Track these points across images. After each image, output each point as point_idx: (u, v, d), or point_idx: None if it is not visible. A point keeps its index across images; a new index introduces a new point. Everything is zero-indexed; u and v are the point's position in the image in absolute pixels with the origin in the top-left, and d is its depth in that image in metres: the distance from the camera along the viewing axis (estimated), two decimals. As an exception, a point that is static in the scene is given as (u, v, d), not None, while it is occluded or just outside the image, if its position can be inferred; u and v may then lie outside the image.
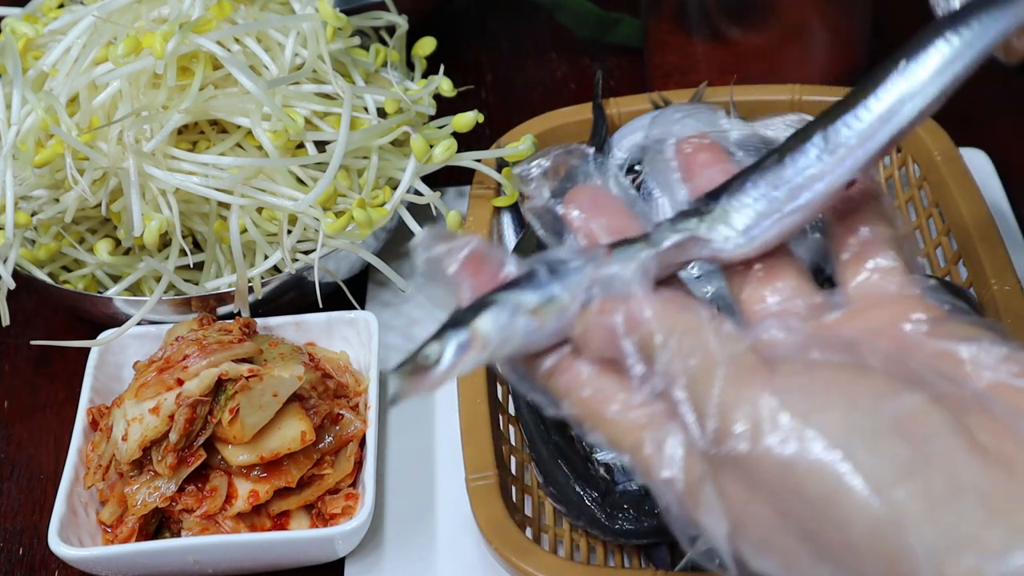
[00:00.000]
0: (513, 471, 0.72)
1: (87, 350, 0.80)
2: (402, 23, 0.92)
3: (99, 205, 0.80)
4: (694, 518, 0.41)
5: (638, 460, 0.43)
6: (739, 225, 0.44)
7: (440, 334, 0.43)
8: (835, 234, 0.46)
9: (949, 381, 0.39)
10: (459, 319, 0.43)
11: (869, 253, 0.45)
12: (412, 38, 0.93)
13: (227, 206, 0.80)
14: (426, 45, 0.92)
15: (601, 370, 0.44)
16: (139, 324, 0.79)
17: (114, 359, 0.80)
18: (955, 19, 0.44)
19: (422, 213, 0.85)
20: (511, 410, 0.75)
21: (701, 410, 0.39)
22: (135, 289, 0.84)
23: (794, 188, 0.43)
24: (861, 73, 0.99)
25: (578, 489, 0.69)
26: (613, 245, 0.44)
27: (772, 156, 0.44)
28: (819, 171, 0.44)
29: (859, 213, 0.46)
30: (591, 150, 0.51)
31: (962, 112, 0.70)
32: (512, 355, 0.44)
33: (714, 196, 0.44)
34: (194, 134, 0.83)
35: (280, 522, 0.73)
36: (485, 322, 0.43)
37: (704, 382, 0.40)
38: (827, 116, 0.44)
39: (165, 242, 0.83)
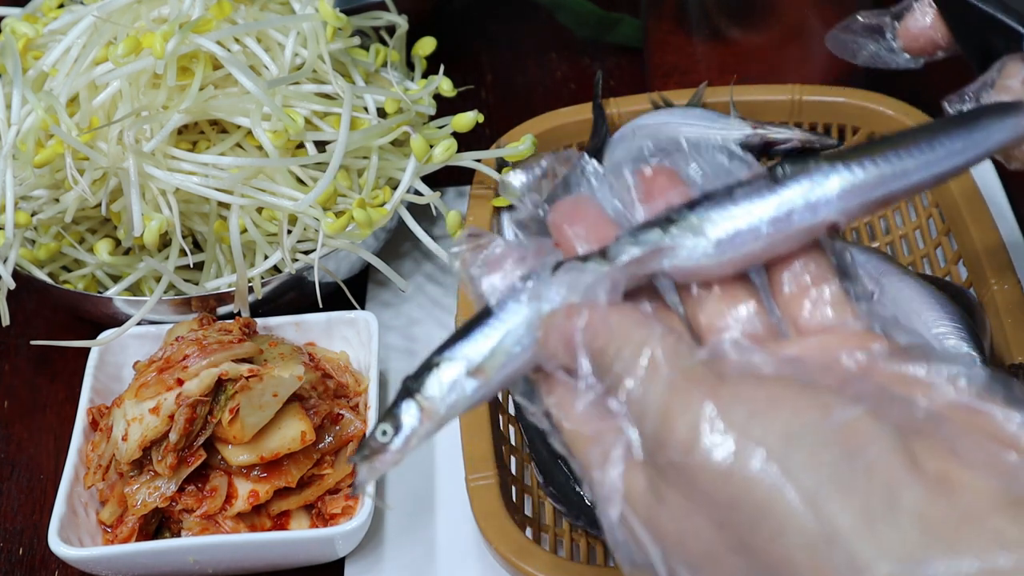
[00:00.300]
0: (513, 471, 0.72)
1: (87, 350, 0.80)
2: (402, 23, 0.92)
3: (99, 205, 0.80)
4: (634, 536, 0.40)
5: (584, 474, 0.43)
6: (712, 236, 0.43)
7: (391, 410, 0.44)
8: (777, 270, 0.45)
9: (898, 401, 0.38)
10: (409, 388, 0.44)
11: (815, 286, 0.44)
12: (412, 38, 0.93)
13: (227, 206, 0.80)
14: (426, 45, 0.92)
15: (566, 380, 0.43)
16: (139, 324, 0.79)
17: (114, 359, 0.80)
18: (961, 121, 0.45)
19: (422, 213, 0.85)
20: (511, 410, 0.75)
21: (642, 418, 0.40)
22: (135, 289, 0.84)
23: (779, 216, 0.43)
24: (860, 74, 0.99)
25: (578, 489, 0.69)
26: (578, 258, 0.44)
27: (764, 178, 0.44)
28: (809, 204, 0.43)
29: (804, 253, 0.45)
30: (584, 156, 0.50)
31: (962, 112, 0.70)
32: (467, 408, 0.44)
33: (689, 206, 0.44)
34: (194, 134, 0.83)
35: (280, 522, 0.73)
36: (431, 389, 0.43)
37: (648, 391, 0.40)
38: (831, 157, 0.44)
39: (165, 242, 0.83)
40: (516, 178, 0.62)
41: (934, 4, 0.61)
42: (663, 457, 0.39)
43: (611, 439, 0.41)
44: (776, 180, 0.43)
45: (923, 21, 0.61)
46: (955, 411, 0.38)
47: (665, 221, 0.43)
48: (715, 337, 0.43)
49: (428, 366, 0.44)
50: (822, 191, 0.43)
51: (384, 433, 0.44)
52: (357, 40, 0.87)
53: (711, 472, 0.37)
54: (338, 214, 0.79)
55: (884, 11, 0.63)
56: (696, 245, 0.43)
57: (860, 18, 0.64)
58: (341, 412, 0.75)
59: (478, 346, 0.43)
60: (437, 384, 0.43)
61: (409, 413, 0.44)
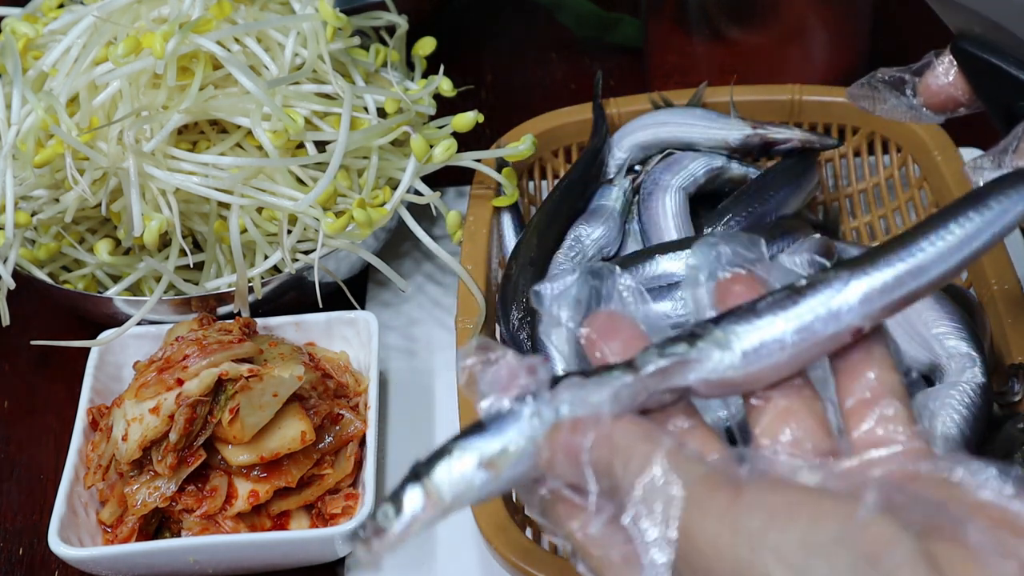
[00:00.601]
0: (513, 471, 0.72)
1: (87, 350, 0.80)
2: (402, 23, 0.92)
3: (99, 205, 0.80)
4: None
5: None
6: (738, 349, 0.43)
7: (397, 492, 0.43)
8: (840, 378, 0.45)
9: (926, 505, 0.38)
10: (417, 471, 0.43)
11: (875, 401, 0.43)
12: (412, 38, 0.93)
13: (227, 206, 0.80)
14: (426, 45, 0.92)
15: (580, 501, 0.43)
16: (139, 324, 0.79)
17: (114, 359, 0.80)
18: (975, 201, 0.45)
19: (422, 213, 0.85)
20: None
21: (659, 532, 0.39)
22: (135, 289, 0.84)
23: (803, 326, 0.43)
24: (861, 73, 0.99)
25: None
26: (596, 370, 0.44)
27: (786, 290, 0.44)
28: (831, 313, 0.43)
29: (865, 358, 0.44)
30: (616, 270, 0.50)
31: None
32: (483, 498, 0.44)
33: (715, 321, 0.44)
34: (194, 134, 0.83)
35: (280, 522, 0.73)
36: (440, 476, 0.43)
37: (659, 505, 0.39)
38: (851, 265, 0.44)
39: (165, 242, 0.83)
40: (547, 290, 0.62)
41: (955, 62, 0.60)
42: (684, 571, 0.38)
43: (621, 557, 0.41)
44: (798, 291, 0.44)
45: (944, 78, 0.61)
46: (983, 510, 0.38)
47: (690, 336, 0.43)
48: (747, 447, 0.43)
49: (440, 453, 0.43)
50: (843, 299, 0.43)
51: (386, 515, 0.43)
52: (357, 40, 0.87)
53: None
54: (338, 214, 0.79)
55: (905, 68, 0.62)
56: (722, 358, 0.43)
57: (881, 74, 0.63)
58: (341, 412, 0.75)
59: (492, 443, 0.43)
60: (446, 472, 0.43)
61: (413, 498, 0.43)
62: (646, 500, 0.40)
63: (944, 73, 0.61)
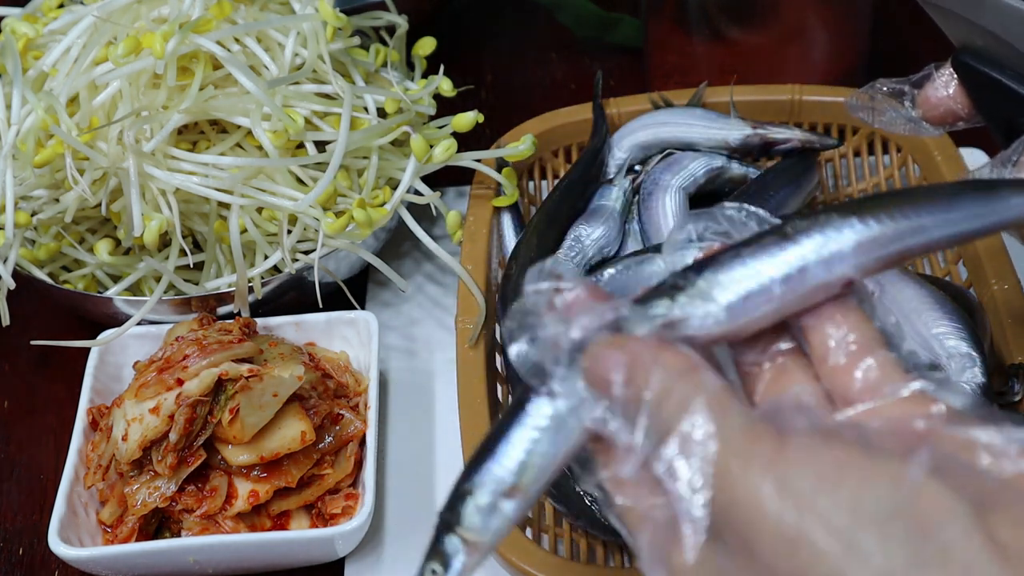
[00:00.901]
0: (513, 471, 0.72)
1: (87, 350, 0.80)
2: (402, 23, 0.92)
3: (99, 205, 0.80)
4: None
5: (636, 551, 0.40)
6: (723, 301, 0.40)
7: (435, 547, 0.41)
8: (816, 337, 0.42)
9: (965, 469, 0.36)
10: (447, 521, 0.41)
11: (862, 355, 0.41)
12: (412, 38, 0.93)
13: (227, 206, 0.80)
14: (426, 45, 0.92)
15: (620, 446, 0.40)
16: (139, 324, 0.79)
17: (114, 359, 0.80)
18: (981, 186, 0.43)
19: (422, 213, 0.85)
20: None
21: (696, 481, 0.37)
22: (135, 289, 0.84)
23: (791, 273, 0.40)
24: (861, 73, 0.99)
25: (578, 489, 0.69)
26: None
27: (773, 233, 0.42)
28: (823, 260, 0.41)
29: (839, 312, 0.42)
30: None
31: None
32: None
33: (696, 269, 0.41)
34: (194, 134, 0.83)
35: (280, 522, 0.73)
36: (470, 520, 0.41)
37: (702, 452, 0.37)
38: (844, 207, 0.42)
39: (165, 242, 0.83)
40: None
41: (956, 75, 0.60)
42: (721, 525, 0.37)
43: (662, 515, 0.39)
44: (786, 236, 0.41)
45: (943, 91, 0.60)
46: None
47: (671, 288, 0.41)
48: (772, 397, 0.41)
49: (460, 495, 0.41)
50: (836, 246, 0.41)
51: (433, 572, 0.41)
52: (357, 40, 0.87)
53: (774, 544, 0.35)
54: (338, 214, 0.79)
55: (904, 79, 0.62)
56: (707, 313, 0.41)
57: (879, 84, 0.62)
58: (341, 412, 0.75)
59: (507, 463, 0.41)
60: (476, 513, 0.41)
61: (454, 547, 0.41)
62: (683, 445, 0.37)
63: (944, 86, 0.60)
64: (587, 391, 0.41)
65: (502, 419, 0.41)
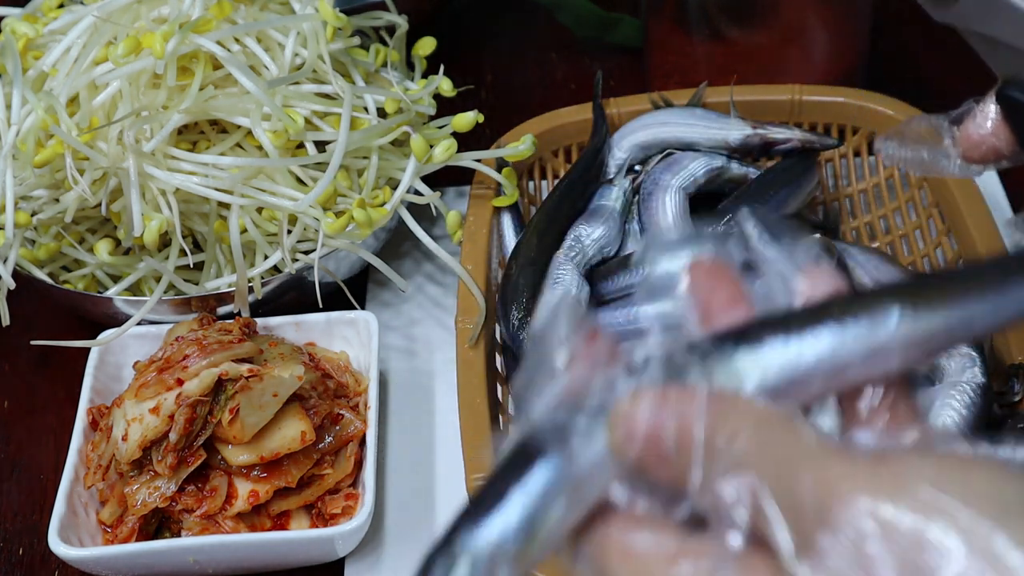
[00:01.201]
0: (513, 471, 0.72)
1: (87, 350, 0.80)
2: (402, 23, 0.92)
3: (99, 205, 0.80)
4: None
5: None
6: (755, 383, 0.37)
7: None
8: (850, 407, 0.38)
9: None
10: None
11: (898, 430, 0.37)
12: (412, 38, 0.93)
13: (227, 206, 0.80)
14: (426, 45, 0.92)
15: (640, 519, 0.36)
16: (139, 324, 0.79)
17: (114, 359, 0.80)
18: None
19: (422, 213, 0.85)
20: (511, 410, 0.75)
21: (790, 516, 0.33)
22: (135, 289, 0.84)
23: (832, 371, 0.37)
24: (861, 73, 0.99)
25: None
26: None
27: (811, 314, 0.38)
28: (867, 356, 0.37)
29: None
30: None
31: (962, 112, 0.69)
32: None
33: (735, 339, 0.38)
34: (194, 134, 0.83)
35: (280, 522, 0.73)
36: None
37: (790, 479, 0.33)
38: (898, 295, 0.38)
39: (165, 242, 0.83)
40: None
41: (1001, 110, 0.56)
42: (823, 549, 0.32)
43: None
44: (834, 317, 0.37)
45: (986, 127, 0.57)
46: None
47: (704, 355, 0.37)
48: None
49: (450, 555, 0.35)
50: (883, 340, 0.37)
51: None
52: (357, 40, 0.87)
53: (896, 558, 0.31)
54: (338, 214, 0.79)
55: (942, 115, 0.59)
56: (738, 392, 0.37)
57: (916, 123, 0.59)
58: (341, 412, 0.75)
59: (513, 531, 0.35)
60: None
61: None
62: (769, 474, 0.33)
63: (984, 120, 0.57)
64: (610, 453, 0.36)
65: (502, 472, 0.36)
